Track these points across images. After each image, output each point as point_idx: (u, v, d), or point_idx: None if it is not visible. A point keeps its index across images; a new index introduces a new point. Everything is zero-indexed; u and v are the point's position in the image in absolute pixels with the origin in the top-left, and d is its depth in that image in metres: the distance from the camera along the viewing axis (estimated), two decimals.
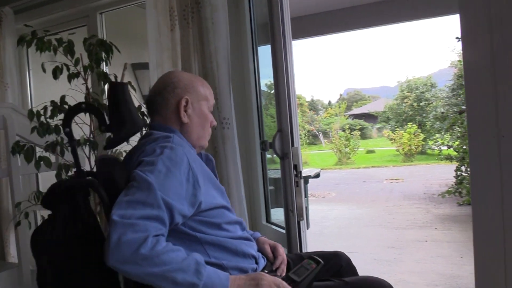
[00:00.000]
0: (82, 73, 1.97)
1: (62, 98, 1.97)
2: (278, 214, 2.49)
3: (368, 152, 19.68)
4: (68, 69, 1.98)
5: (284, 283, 1.24)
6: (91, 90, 2.10)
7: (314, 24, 5.55)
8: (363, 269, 3.67)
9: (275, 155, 2.64)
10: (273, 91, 2.79)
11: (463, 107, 5.57)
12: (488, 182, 0.89)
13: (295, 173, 1.98)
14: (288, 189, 2.00)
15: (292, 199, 1.99)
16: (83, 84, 2.00)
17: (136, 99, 3.41)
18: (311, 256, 1.41)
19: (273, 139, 2.02)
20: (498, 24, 0.82)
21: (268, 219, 2.45)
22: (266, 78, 2.61)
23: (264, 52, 2.49)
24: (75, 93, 2.01)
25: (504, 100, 0.84)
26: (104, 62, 2.07)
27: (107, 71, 2.26)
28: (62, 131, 1.95)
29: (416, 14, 5.42)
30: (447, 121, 6.50)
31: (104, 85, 2.09)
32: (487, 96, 0.85)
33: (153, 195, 1.13)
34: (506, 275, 0.89)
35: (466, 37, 0.91)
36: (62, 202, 1.28)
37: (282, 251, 1.57)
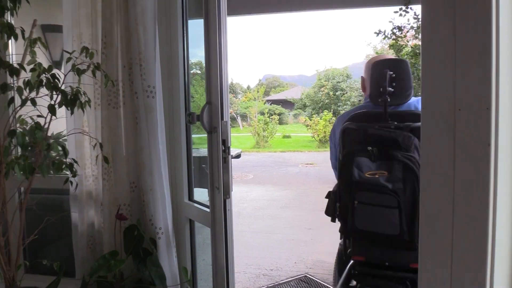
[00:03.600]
0: None
1: None
2: (198, 194, 2.38)
3: (285, 137, 20.17)
4: None
5: None
6: None
7: (237, 3, 5.41)
8: (282, 249, 3.72)
9: (194, 135, 2.52)
10: (193, 71, 2.66)
11: None
12: (439, 156, 0.84)
13: (223, 148, 1.88)
14: (215, 165, 1.89)
15: (219, 175, 1.88)
16: None
17: (48, 61, 3.06)
18: None
19: (201, 111, 1.89)
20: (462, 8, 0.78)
21: (190, 197, 2.32)
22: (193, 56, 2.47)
23: (194, 24, 2.35)
24: None
25: (462, 77, 0.81)
26: (9, 12, 1.78)
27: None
28: None
29: (338, 2, 5.53)
30: None
31: (8, 38, 1.80)
32: (446, 73, 0.81)
33: None
34: (452, 263, 0.84)
35: (427, 20, 0.87)
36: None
37: None
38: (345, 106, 12.58)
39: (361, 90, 8.11)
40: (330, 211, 2.15)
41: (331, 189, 2.10)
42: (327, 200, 2.27)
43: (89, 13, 2.11)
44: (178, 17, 2.28)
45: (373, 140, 1.73)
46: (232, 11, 5.35)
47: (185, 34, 2.32)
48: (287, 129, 23.44)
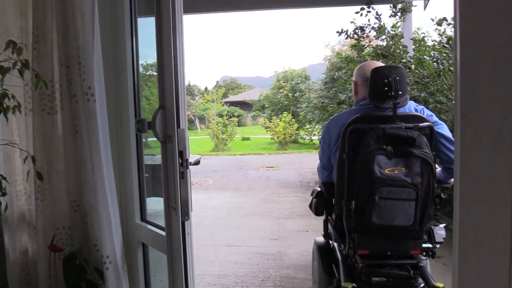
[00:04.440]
0: None
1: None
2: (152, 204, 2.12)
3: (244, 139, 19.94)
4: None
5: None
6: None
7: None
8: (248, 265, 3.46)
9: (150, 138, 2.22)
10: (149, 72, 2.38)
11: (343, 97, 5.66)
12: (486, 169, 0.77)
13: (180, 161, 1.59)
14: (171, 181, 1.61)
15: (176, 193, 1.60)
16: None
17: None
18: None
19: (153, 118, 1.60)
20: None
21: (143, 217, 2.01)
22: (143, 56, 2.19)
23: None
24: None
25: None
26: None
27: None
28: None
29: (297, 1, 5.39)
30: (325, 111, 6.68)
31: None
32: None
33: None
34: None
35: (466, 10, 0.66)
36: None
37: None
38: (306, 108, 12.44)
39: (319, 91, 7.93)
40: (321, 211, 2.36)
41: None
42: (310, 200, 2.42)
43: (17, 1, 1.81)
44: (126, 14, 2.00)
45: (389, 139, 1.87)
46: (190, 9, 5.02)
47: (134, 33, 2.04)
48: (246, 131, 23.20)
